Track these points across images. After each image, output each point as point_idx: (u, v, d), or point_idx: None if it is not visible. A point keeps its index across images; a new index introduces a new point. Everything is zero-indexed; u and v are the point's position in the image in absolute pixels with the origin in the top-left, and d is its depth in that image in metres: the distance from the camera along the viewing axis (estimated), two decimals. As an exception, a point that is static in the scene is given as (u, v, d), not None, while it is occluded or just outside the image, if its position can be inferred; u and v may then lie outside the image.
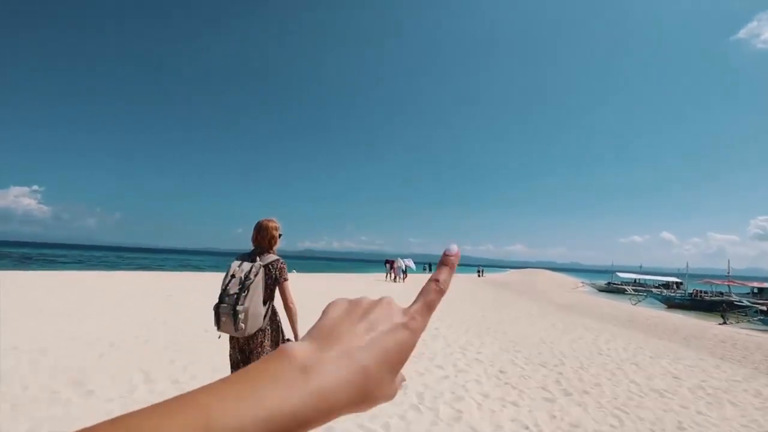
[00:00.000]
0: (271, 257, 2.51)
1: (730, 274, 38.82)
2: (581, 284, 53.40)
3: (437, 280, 0.37)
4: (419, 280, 27.26)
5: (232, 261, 2.51)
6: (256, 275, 2.36)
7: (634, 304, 29.91)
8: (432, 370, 4.89)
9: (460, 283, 27.74)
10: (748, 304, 27.84)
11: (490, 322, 9.59)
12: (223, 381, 0.37)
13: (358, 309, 0.37)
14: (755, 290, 35.78)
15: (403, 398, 3.81)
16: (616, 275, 53.36)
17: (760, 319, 22.39)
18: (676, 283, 48.09)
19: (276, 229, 2.59)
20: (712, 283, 36.44)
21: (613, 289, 47.54)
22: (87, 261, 45.73)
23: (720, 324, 20.02)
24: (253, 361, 2.28)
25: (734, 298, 31.80)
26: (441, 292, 0.37)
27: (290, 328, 2.55)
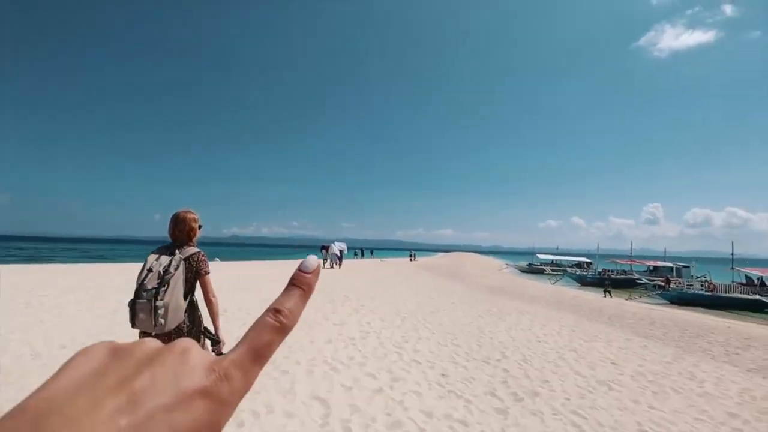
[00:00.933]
0: (192, 250, 2.34)
1: (632, 254, 43.13)
2: (505, 266, 56.31)
3: (278, 311, 0.27)
4: (354, 265, 26.53)
5: (149, 254, 2.28)
6: (176, 269, 2.21)
7: (553, 284, 31.89)
8: (362, 380, 4.03)
9: (393, 267, 27.43)
10: (646, 281, 31.01)
11: (425, 311, 9.02)
12: None
13: (122, 367, 0.23)
14: (651, 268, 39.85)
15: None
16: (536, 257, 57.05)
17: (658, 294, 24.83)
18: (587, 262, 52.51)
19: (195, 220, 2.40)
20: (617, 263, 40.13)
21: (534, 269, 50.72)
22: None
23: (626, 299, 21.88)
24: None
25: (635, 275, 35.26)
26: (283, 330, 0.27)
27: (211, 322, 2.43)
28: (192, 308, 2.33)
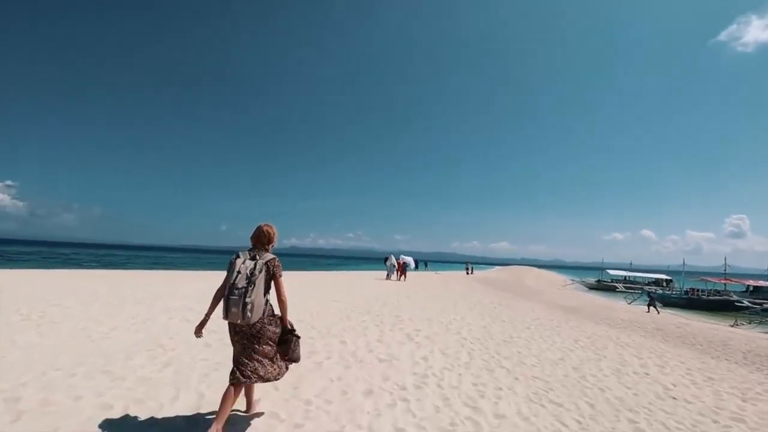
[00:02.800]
0: (269, 256, 2.90)
1: (726, 271, 37.53)
2: (570, 282, 51.80)
3: None
4: (419, 277, 24.73)
5: (234, 258, 2.83)
6: (260, 272, 2.76)
7: (629, 303, 28.14)
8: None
9: (450, 281, 25.34)
10: (748, 304, 26.35)
11: (497, 339, 7.13)
12: None
13: None
14: (750, 288, 34.39)
15: None
16: (606, 272, 51.88)
17: (770, 320, 20.67)
18: (666, 280, 46.71)
19: (274, 234, 3.00)
20: (708, 281, 34.94)
21: (603, 286, 46.00)
22: (52, 258, 42.59)
23: (732, 326, 18.21)
24: (262, 341, 2.82)
25: (734, 297, 30.27)
26: None
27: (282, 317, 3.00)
28: (269, 305, 2.90)
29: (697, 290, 32.78)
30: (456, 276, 34.82)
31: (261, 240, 2.95)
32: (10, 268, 18.69)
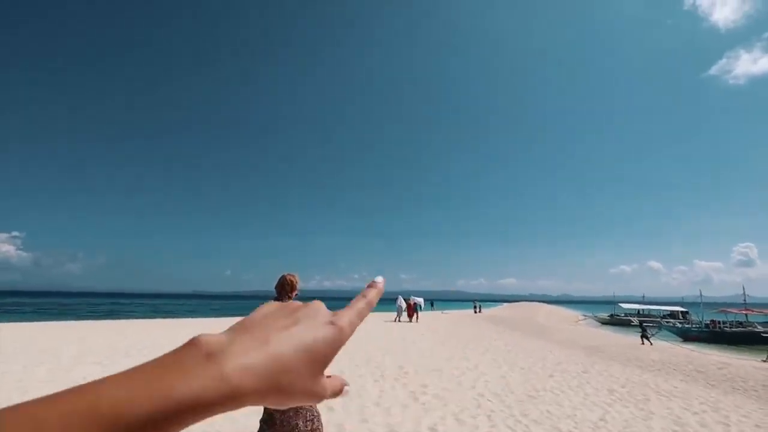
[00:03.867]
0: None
1: (746, 301, 35.90)
2: (582, 317, 49.78)
3: (365, 296, 0.41)
4: (426, 317, 23.41)
5: (260, 304, 1.48)
6: None
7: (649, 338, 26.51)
8: None
9: (458, 322, 23.92)
10: (779, 335, 24.69)
11: (519, 394, 5.99)
12: (126, 371, 0.39)
13: (287, 308, 0.40)
14: (773, 318, 32.66)
15: None
16: (619, 306, 49.89)
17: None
18: (682, 312, 44.74)
19: (297, 282, 3.09)
20: (729, 312, 33.20)
21: (616, 321, 44.03)
22: (46, 310, 41.37)
23: (764, 360, 16.72)
24: None
25: (759, 328, 28.55)
26: (370, 304, 0.40)
27: None
28: None
29: (719, 322, 31.03)
30: (464, 315, 33.30)
31: (285, 288, 3.12)
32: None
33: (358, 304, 0.40)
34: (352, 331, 0.39)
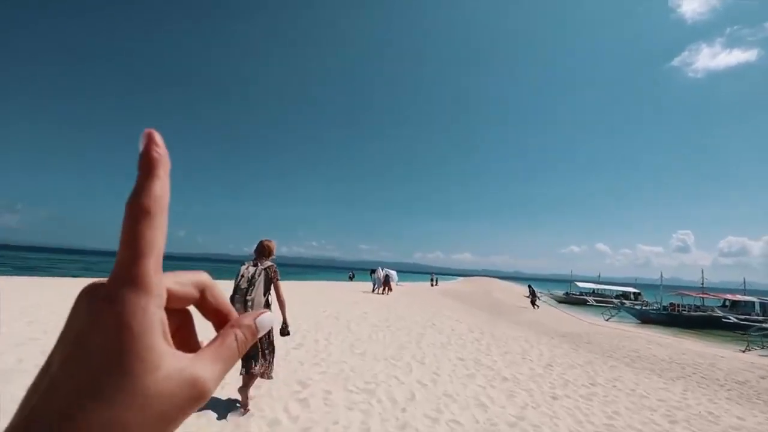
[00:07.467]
0: (268, 263, 3.56)
1: (704, 285, 35.75)
2: (539, 295, 49.25)
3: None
4: (408, 291, 20.58)
5: (241, 265, 3.51)
6: (259, 275, 3.41)
7: (607, 319, 25.10)
8: None
9: (415, 296, 21.23)
10: (736, 320, 23.99)
11: (506, 419, 2.97)
12: None
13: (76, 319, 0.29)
14: (727, 303, 32.50)
15: None
16: (575, 285, 49.63)
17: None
18: (635, 293, 44.88)
19: (273, 247, 3.67)
20: (685, 295, 32.74)
21: (573, 300, 43.50)
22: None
23: (743, 351, 15.25)
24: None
25: (718, 313, 27.98)
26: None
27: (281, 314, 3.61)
28: (268, 305, 3.47)
29: (678, 306, 30.35)
30: (420, 289, 30.94)
31: (263, 252, 3.60)
32: None
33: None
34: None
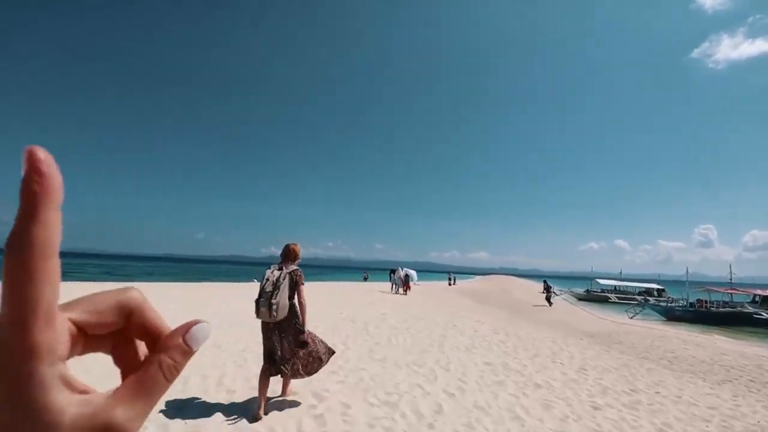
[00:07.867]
0: (293, 267, 3.61)
1: (732, 281, 34.36)
2: (558, 292, 48.16)
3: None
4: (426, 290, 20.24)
5: (267, 269, 3.60)
6: (284, 279, 3.44)
7: (631, 317, 24.17)
8: None
9: (432, 296, 20.76)
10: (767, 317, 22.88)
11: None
12: None
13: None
14: (757, 299, 31.12)
15: None
16: (596, 282, 48.34)
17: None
18: (659, 289, 43.42)
19: (299, 250, 3.75)
20: (713, 291, 31.45)
21: (594, 297, 42.31)
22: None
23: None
24: (288, 337, 3.50)
25: (749, 309, 26.75)
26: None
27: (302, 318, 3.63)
28: (293, 307, 3.53)
29: (706, 302, 29.12)
30: (437, 288, 30.42)
31: (288, 256, 3.67)
32: None
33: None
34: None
